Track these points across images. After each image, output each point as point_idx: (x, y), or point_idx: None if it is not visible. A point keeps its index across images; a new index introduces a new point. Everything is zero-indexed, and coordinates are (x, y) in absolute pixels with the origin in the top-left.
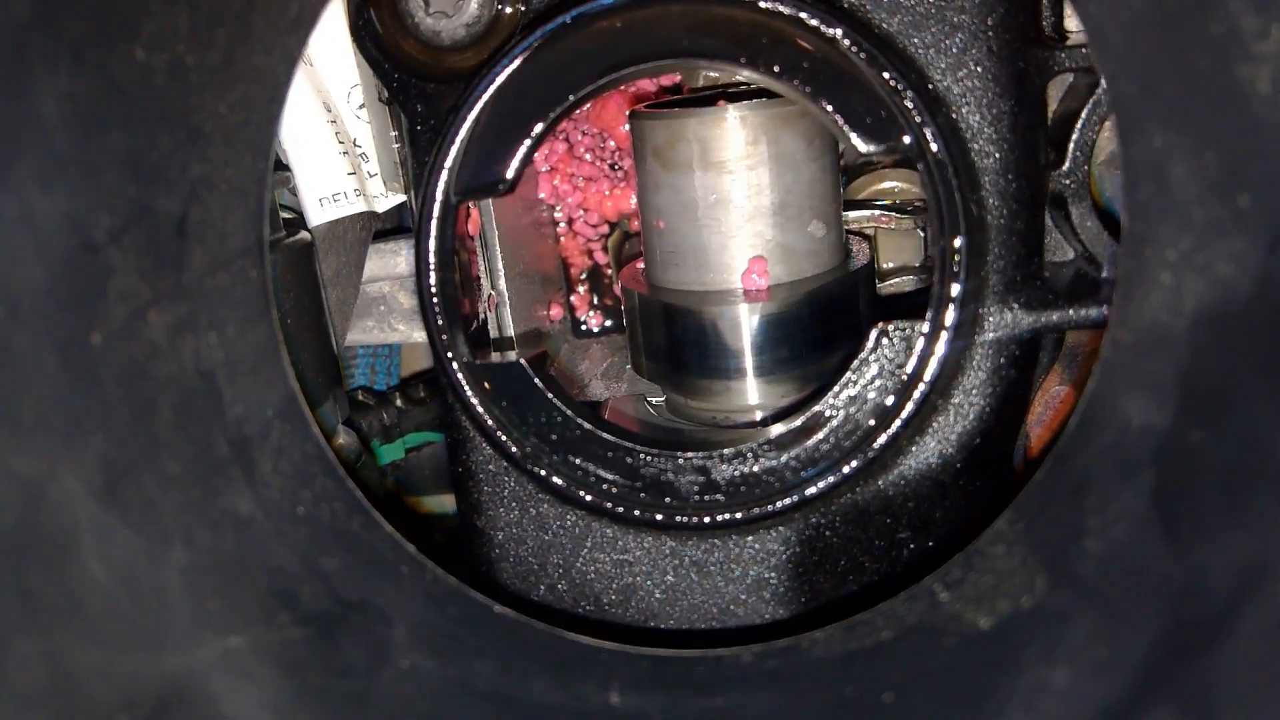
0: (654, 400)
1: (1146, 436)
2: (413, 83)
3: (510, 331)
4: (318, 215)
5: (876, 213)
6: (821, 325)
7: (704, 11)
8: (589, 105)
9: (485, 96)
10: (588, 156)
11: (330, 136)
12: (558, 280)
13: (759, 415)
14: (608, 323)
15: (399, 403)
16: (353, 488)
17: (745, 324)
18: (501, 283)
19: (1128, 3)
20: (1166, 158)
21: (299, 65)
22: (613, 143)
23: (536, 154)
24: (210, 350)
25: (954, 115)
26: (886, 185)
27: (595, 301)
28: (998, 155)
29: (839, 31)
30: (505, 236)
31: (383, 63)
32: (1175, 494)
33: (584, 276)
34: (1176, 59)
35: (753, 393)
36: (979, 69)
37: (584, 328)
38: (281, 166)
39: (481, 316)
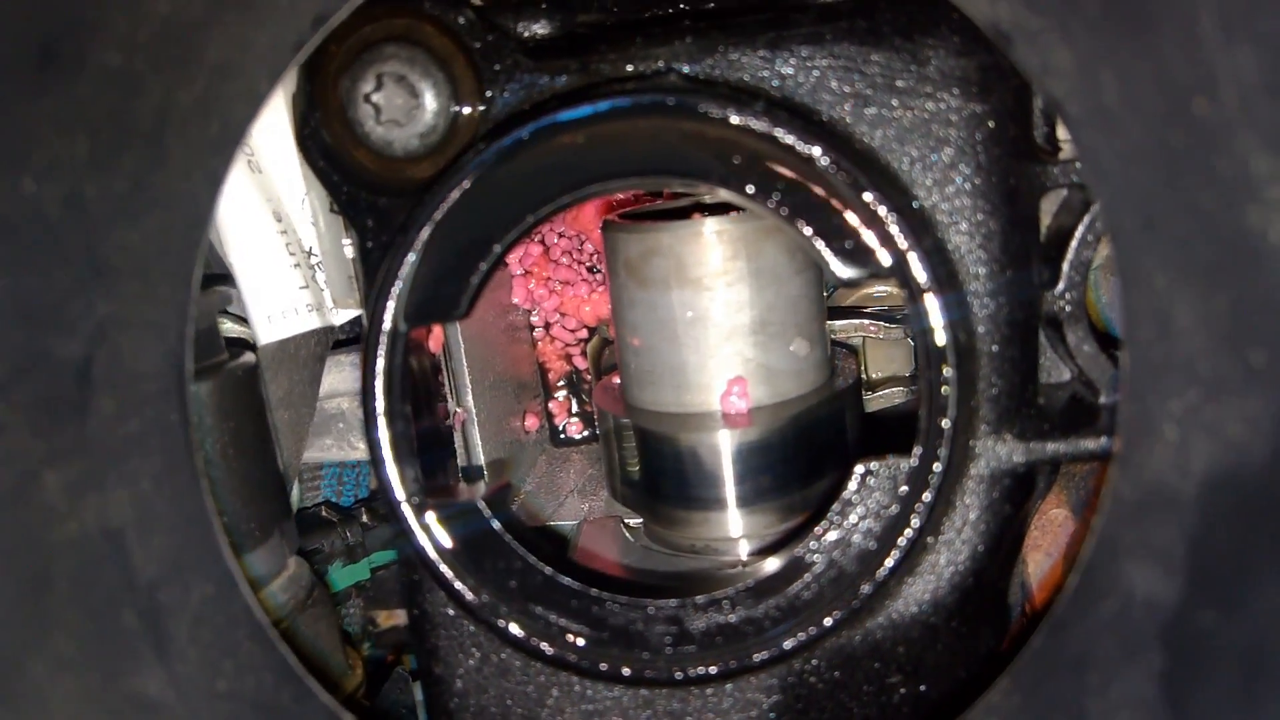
0: (631, 522)
1: (1152, 611)
2: (363, 196)
3: (479, 452)
4: (266, 333)
5: (864, 321)
6: (807, 451)
7: (673, 127)
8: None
9: (435, 216)
10: (564, 260)
11: (280, 248)
12: (534, 386)
13: (743, 546)
14: (587, 431)
15: (364, 518)
16: (285, 653)
17: (725, 451)
18: (469, 399)
19: (1126, 133)
20: (1170, 300)
21: (246, 171)
22: (590, 245)
23: (510, 257)
24: (118, 508)
25: (940, 236)
26: (873, 291)
27: (574, 409)
28: (988, 278)
29: (816, 150)
30: (472, 349)
31: (331, 174)
32: (1186, 681)
33: (562, 383)
34: (1180, 196)
35: (735, 524)
36: (967, 186)
37: (563, 436)
38: (217, 280)
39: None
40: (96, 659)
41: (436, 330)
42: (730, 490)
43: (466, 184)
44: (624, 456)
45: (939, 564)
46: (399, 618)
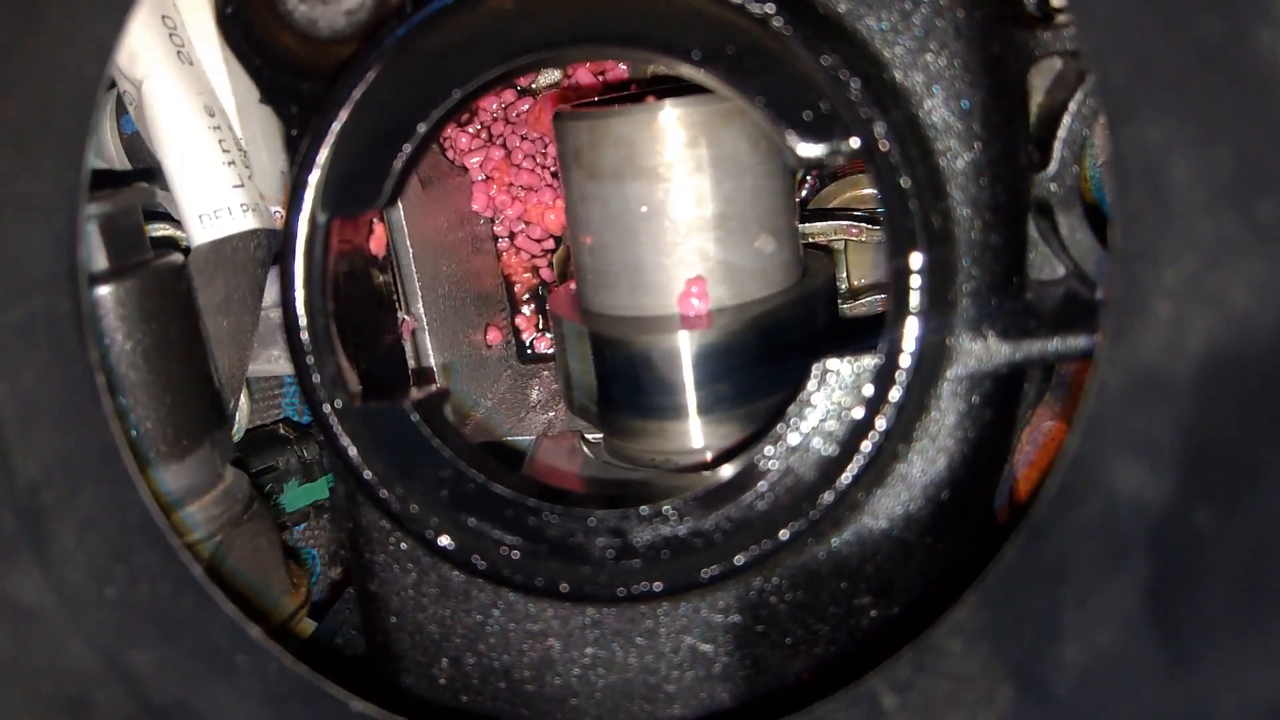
0: (591, 438)
1: (1139, 512)
2: (287, 81)
3: (430, 358)
4: (199, 233)
5: (845, 223)
6: (773, 356)
7: None
8: (527, 107)
9: (353, 97)
10: (527, 164)
11: (212, 144)
12: (499, 299)
13: (708, 456)
14: None
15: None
16: (188, 561)
17: (684, 355)
18: (419, 306)
19: None
20: (1165, 155)
21: (175, 64)
22: (554, 149)
23: (469, 161)
24: None
25: (912, 107)
26: (865, 192)
27: (542, 324)
28: (968, 157)
29: (770, 8)
30: (423, 254)
31: (253, 58)
32: (1176, 592)
33: (528, 296)
34: (1176, 26)
35: (696, 434)
36: (945, 53)
37: (530, 352)
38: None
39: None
40: None
41: (379, 231)
42: (690, 397)
43: (383, 61)
44: (580, 365)
45: (911, 474)
46: None
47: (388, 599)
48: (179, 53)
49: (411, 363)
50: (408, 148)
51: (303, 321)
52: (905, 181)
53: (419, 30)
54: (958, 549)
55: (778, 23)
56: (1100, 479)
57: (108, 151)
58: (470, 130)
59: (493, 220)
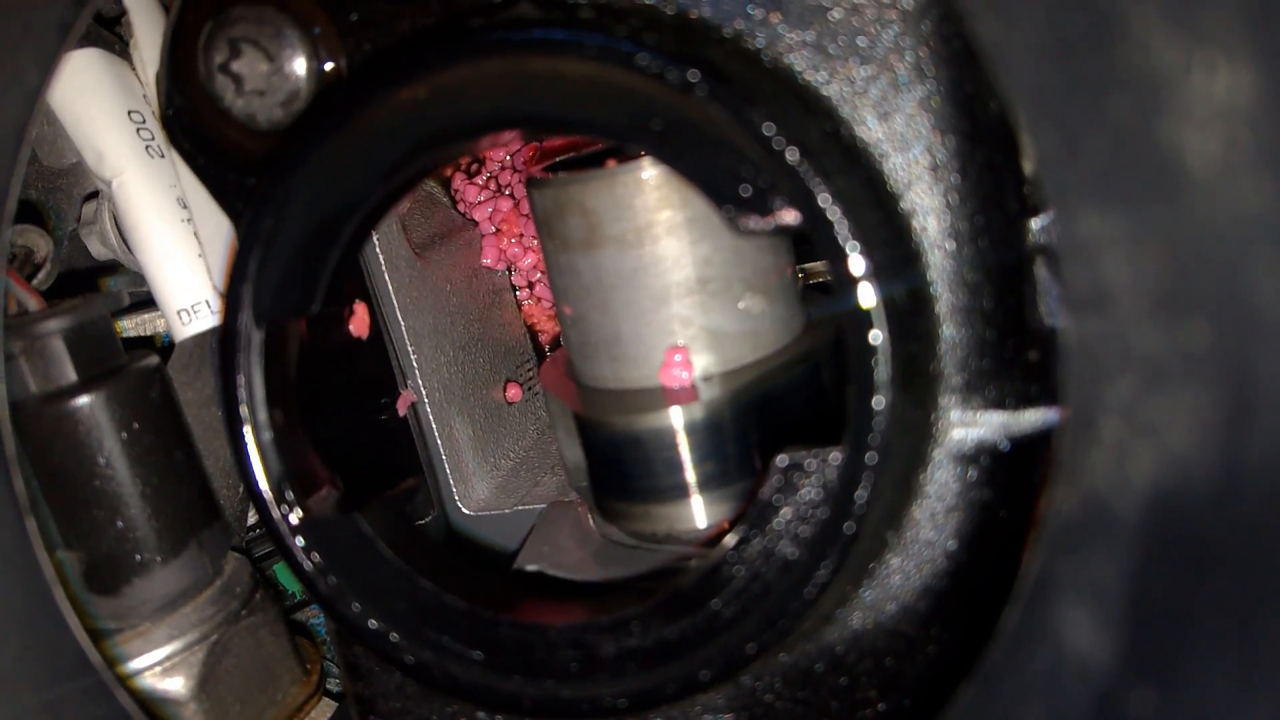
0: None
1: (1084, 679)
2: (230, 177)
3: (435, 438)
4: (180, 330)
5: None
6: (773, 424)
7: (524, 68)
8: (532, 154)
9: (278, 198)
10: None
11: (187, 238)
12: (523, 350)
13: (725, 525)
14: None
15: None
16: (124, 701)
17: (674, 431)
18: (416, 378)
19: (1031, 19)
20: (1097, 248)
21: (145, 158)
22: None
23: (479, 214)
24: None
25: (876, 167)
26: None
27: None
28: (945, 214)
29: (692, 75)
30: (421, 323)
31: (198, 158)
32: None
33: (550, 347)
34: (1092, 105)
35: (699, 513)
36: (907, 99)
37: None
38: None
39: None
40: None
41: (359, 311)
42: (687, 475)
43: (300, 164)
44: (568, 439)
45: (904, 566)
46: None
47: (373, 701)
48: (148, 147)
49: (417, 440)
50: (335, 252)
51: (248, 440)
52: (856, 261)
53: (335, 123)
54: (969, 637)
55: (702, 91)
56: (1048, 626)
57: (110, 242)
58: (479, 182)
59: (509, 271)
